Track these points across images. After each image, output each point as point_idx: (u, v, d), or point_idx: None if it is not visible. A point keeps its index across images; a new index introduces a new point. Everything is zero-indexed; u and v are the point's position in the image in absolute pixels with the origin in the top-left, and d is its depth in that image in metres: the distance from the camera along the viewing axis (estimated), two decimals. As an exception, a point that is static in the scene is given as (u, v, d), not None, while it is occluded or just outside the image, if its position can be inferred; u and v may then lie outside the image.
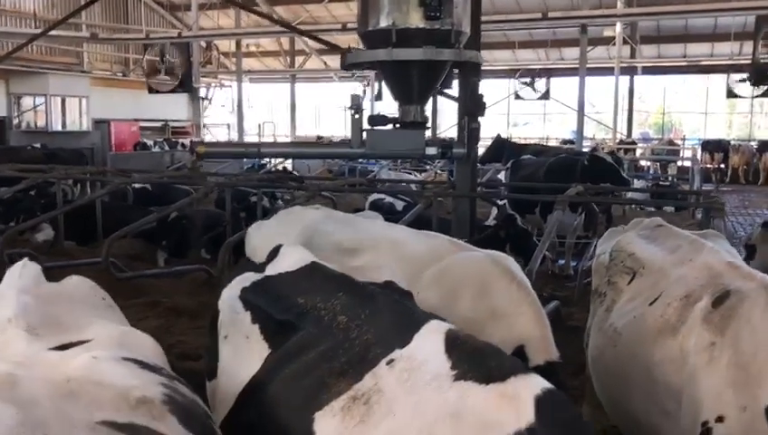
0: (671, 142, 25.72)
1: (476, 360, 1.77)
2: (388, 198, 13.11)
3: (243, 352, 2.43)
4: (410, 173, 19.40)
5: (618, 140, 22.75)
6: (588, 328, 4.01)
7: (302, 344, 2.20)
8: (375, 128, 6.74)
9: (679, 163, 21.93)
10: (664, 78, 28.35)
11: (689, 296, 3.06)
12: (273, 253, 2.86)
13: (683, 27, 24.88)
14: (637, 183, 15.87)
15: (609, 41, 22.16)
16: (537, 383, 1.65)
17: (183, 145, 24.84)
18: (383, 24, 6.22)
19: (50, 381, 1.82)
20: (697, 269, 3.22)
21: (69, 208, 9.12)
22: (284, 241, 3.79)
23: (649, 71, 26.44)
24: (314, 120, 35.36)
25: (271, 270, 2.70)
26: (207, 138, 29.57)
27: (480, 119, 7.12)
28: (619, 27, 20.97)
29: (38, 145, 19.34)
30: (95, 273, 7.08)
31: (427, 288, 3.08)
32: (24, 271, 2.53)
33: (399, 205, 13.02)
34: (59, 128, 23.58)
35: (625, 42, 23.28)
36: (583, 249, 9.32)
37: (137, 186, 11.41)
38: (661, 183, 16.48)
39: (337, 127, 33.09)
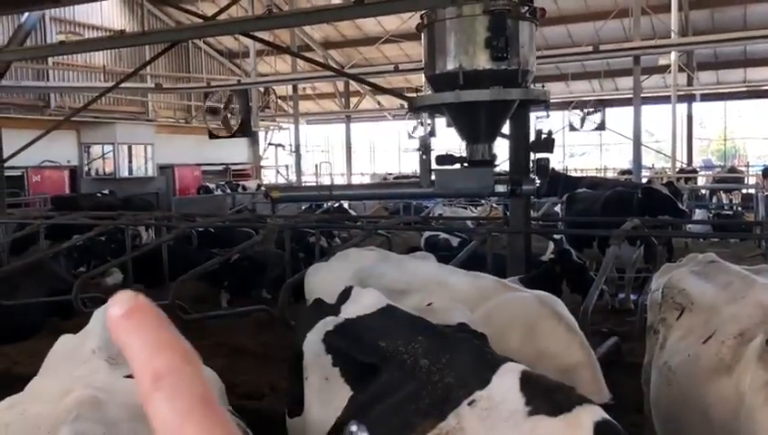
0: (734, 169, 24.97)
1: (547, 395, 1.95)
2: (444, 235, 13.21)
3: (325, 394, 2.58)
4: (465, 208, 19.41)
5: (678, 169, 22.26)
6: (645, 364, 4.00)
7: (387, 387, 2.33)
8: (443, 167, 6.87)
9: (743, 191, 21.26)
10: (725, 103, 27.68)
11: (743, 335, 3.05)
12: (345, 295, 3.01)
13: (741, 52, 24.34)
14: (698, 212, 15.49)
15: (664, 69, 21.88)
16: (598, 413, 1.89)
17: (243, 187, 25.57)
18: (450, 66, 6.40)
19: (127, 405, 2.10)
20: (750, 306, 3.20)
21: (137, 254, 9.53)
22: (341, 283, 3.98)
23: (708, 97, 25.88)
24: (369, 157, 35.86)
25: (347, 313, 2.83)
26: (266, 180, 30.37)
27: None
28: (674, 56, 20.69)
29: (107, 191, 20.30)
30: (163, 315, 7.42)
31: (475, 328, 3.16)
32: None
33: (455, 241, 13.09)
34: (126, 174, 24.64)
35: (681, 69, 22.92)
36: (643, 283, 9.15)
37: (201, 229, 11.86)
38: (724, 212, 16.01)
39: (392, 164, 33.49)
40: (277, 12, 14.98)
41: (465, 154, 7.04)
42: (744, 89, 24.91)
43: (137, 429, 2.00)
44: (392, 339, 2.51)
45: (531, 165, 6.89)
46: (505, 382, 2.01)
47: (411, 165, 31.84)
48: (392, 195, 11.86)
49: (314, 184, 25.15)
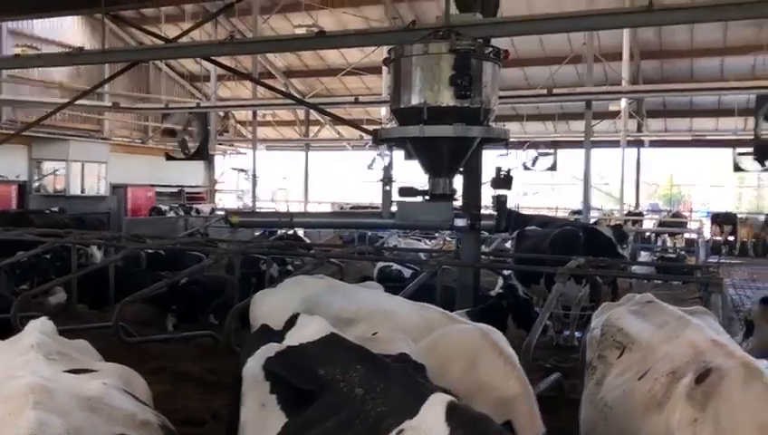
0: (678, 214, 25.86)
1: (471, 426, 1.97)
2: (396, 266, 13.28)
3: (260, 420, 2.60)
4: (419, 240, 19.56)
5: (626, 212, 22.92)
6: (582, 401, 4.10)
7: (321, 414, 2.35)
8: (405, 199, 6.98)
9: (687, 235, 22.02)
10: (673, 150, 28.70)
11: (675, 372, 3.18)
12: (291, 321, 3.03)
13: (688, 103, 25.40)
14: (643, 254, 15.95)
15: (615, 115, 22.65)
16: None
17: (197, 211, 25.26)
18: (415, 101, 6.55)
19: (75, 396, 2.24)
20: (683, 346, 3.35)
21: (83, 273, 9.33)
22: (288, 310, 3.99)
23: (656, 144, 26.85)
24: (327, 186, 35.90)
25: (291, 340, 2.86)
26: (220, 204, 30.09)
27: (486, 188, 7.40)
28: (624, 103, 21.47)
29: (56, 209, 19.81)
30: (105, 337, 7.26)
31: (416, 358, 3.21)
32: (42, 325, 3.01)
33: (407, 272, 13.17)
34: (77, 192, 24.11)
35: (631, 115, 23.76)
36: (588, 321, 9.35)
37: (150, 251, 11.66)
38: (667, 255, 16.53)
39: (349, 194, 33.57)
40: (240, 38, 15.07)
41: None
42: (690, 138, 25.95)
43: (89, 418, 2.11)
44: (331, 367, 2.54)
45: (492, 201, 7.06)
46: (433, 413, 2.04)
47: (369, 196, 32.01)
48: (352, 224, 11.93)
49: (272, 210, 24.97)
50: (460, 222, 6.78)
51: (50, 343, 2.79)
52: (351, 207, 27.83)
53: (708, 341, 3.29)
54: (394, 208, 7.01)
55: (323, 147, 33.74)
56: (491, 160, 7.85)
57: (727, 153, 22.62)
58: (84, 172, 24.47)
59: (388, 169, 6.86)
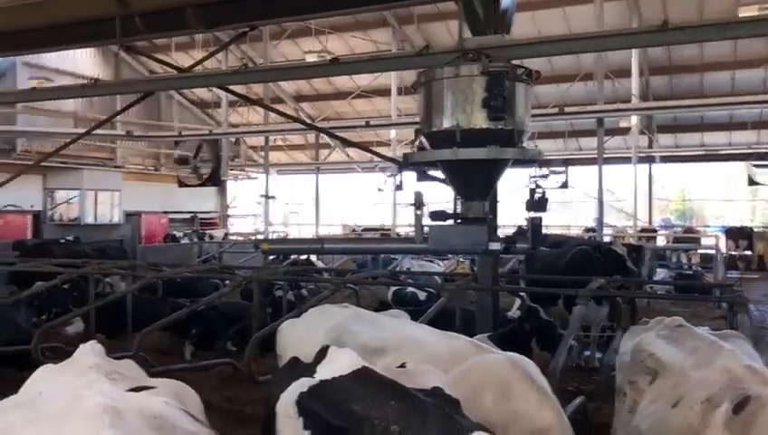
0: (691, 230, 25.65)
1: None
2: (411, 289, 13.23)
3: None
4: (431, 262, 19.51)
5: (639, 229, 22.80)
6: (613, 429, 4.05)
7: None
8: (437, 224, 6.91)
9: (701, 251, 21.84)
10: (684, 165, 28.58)
11: (710, 400, 3.13)
12: (321, 353, 3.01)
13: (699, 118, 25.32)
14: (660, 272, 15.81)
15: (625, 131, 22.63)
16: None
17: (210, 236, 25.36)
18: (447, 124, 6.48)
19: (143, 415, 2.29)
20: (717, 372, 3.30)
21: (101, 304, 9.34)
22: (314, 339, 3.97)
23: (668, 159, 26.77)
24: (336, 209, 35.98)
25: (322, 373, 2.83)
26: (232, 229, 30.20)
27: (500, 207, 7.33)
28: (634, 119, 21.45)
29: (71, 237, 19.93)
30: (126, 367, 7.25)
31: (449, 391, 3.18)
32: (93, 348, 3.09)
33: (422, 295, 13.13)
34: (91, 220, 24.28)
35: (642, 132, 23.72)
36: (608, 341, 9.27)
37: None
38: (685, 272, 16.38)
39: (359, 216, 33.62)
40: (253, 66, 15.21)
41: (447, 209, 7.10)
42: (703, 152, 25.84)
43: None
44: (365, 402, 2.52)
45: (526, 223, 7.00)
46: None
47: (378, 218, 32.05)
48: (385, 250, 11.90)
49: (301, 237, 24.97)
50: (494, 246, 6.68)
51: (105, 364, 2.87)
52: (363, 230, 27.86)
53: (743, 367, 3.25)
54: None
55: (333, 169, 33.90)
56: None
57: (740, 167, 22.51)
58: (98, 200, 24.66)
59: (419, 193, 6.78)
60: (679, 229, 26.24)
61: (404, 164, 7.55)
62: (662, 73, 23.58)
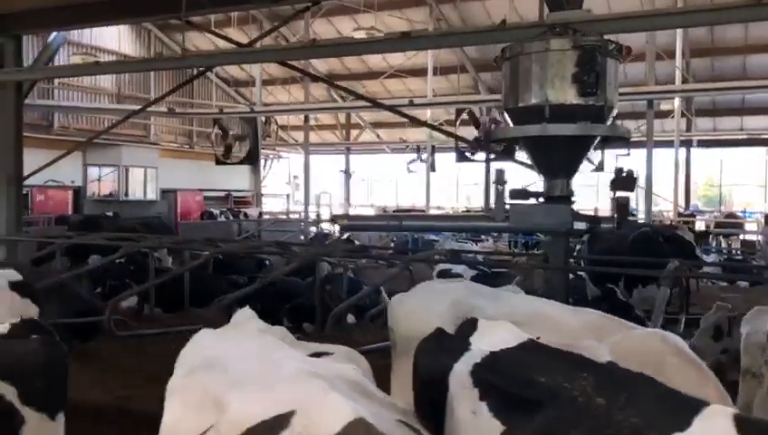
0: (732, 215, 25.32)
1: None
2: (456, 269, 13.15)
3: (472, 428, 2.51)
4: (467, 243, 19.45)
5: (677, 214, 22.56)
6: (739, 407, 3.99)
7: (556, 424, 2.20)
8: (519, 202, 6.82)
9: (742, 237, 21.59)
10: (712, 150, 28.15)
11: None
12: (470, 326, 2.96)
13: (740, 101, 24.90)
14: (708, 257, 15.64)
15: (665, 114, 22.28)
16: None
17: (245, 214, 25.44)
18: (534, 100, 6.37)
19: (345, 381, 2.25)
20: None
21: (162, 280, 9.39)
22: (436, 315, 3.93)
23: (705, 143, 26.38)
24: (366, 190, 35.98)
25: (481, 345, 2.77)
26: (266, 207, 30.29)
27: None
28: (677, 102, 21.11)
29: (110, 213, 20.12)
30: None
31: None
32: (249, 314, 3.16)
33: (468, 275, 13.06)
34: (129, 197, 24.47)
35: (681, 114, 23.40)
36: (668, 323, 9.21)
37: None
38: (735, 257, 16.20)
39: (388, 197, 33.60)
40: (321, 40, 15.05)
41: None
42: (744, 136, 25.47)
43: (370, 404, 2.10)
44: (551, 374, 2.42)
45: (611, 203, 6.90)
46: (716, 426, 1.87)
47: (408, 198, 31.99)
48: (465, 227, 11.90)
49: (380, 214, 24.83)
50: (579, 225, 6.60)
51: (269, 330, 2.90)
52: (394, 211, 27.80)
53: None
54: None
55: (363, 150, 33.85)
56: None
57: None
58: (135, 177, 24.81)
59: (501, 171, 6.72)
60: (718, 214, 25.83)
61: (479, 142, 7.44)
62: (704, 56, 23.18)
